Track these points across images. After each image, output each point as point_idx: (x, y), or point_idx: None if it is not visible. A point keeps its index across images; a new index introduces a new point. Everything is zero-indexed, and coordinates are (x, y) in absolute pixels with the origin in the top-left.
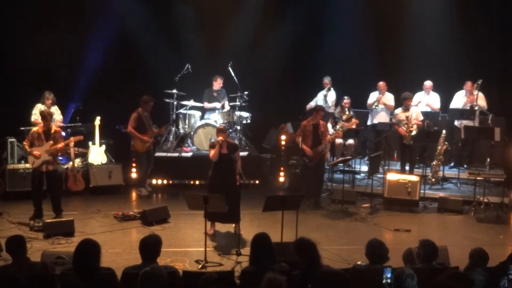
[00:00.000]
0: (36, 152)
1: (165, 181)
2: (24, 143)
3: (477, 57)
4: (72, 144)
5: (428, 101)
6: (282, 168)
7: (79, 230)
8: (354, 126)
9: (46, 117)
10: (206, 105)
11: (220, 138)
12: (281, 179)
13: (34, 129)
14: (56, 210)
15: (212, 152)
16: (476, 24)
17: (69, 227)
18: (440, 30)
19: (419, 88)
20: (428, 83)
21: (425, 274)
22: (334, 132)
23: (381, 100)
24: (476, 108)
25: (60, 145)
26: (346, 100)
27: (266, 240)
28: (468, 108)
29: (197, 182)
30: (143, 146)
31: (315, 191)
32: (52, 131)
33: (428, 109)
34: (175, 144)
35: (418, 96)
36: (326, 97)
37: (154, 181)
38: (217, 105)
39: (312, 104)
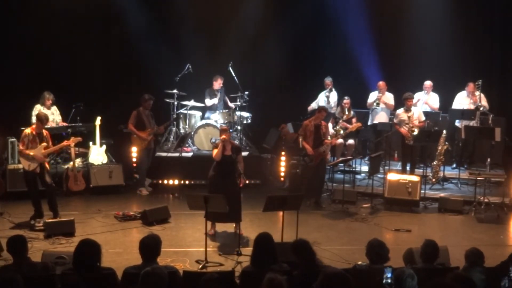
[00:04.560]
0: (32, 154)
1: (165, 181)
2: (21, 148)
3: (477, 57)
4: (72, 144)
5: (428, 100)
6: (282, 168)
7: (80, 230)
8: (354, 129)
9: (43, 120)
10: (208, 101)
11: (224, 136)
12: (281, 179)
13: (27, 131)
14: (53, 209)
15: (215, 152)
16: (476, 24)
17: (69, 227)
18: (440, 30)
19: (419, 88)
20: (428, 83)
21: (425, 274)
22: (335, 132)
23: (381, 99)
24: (482, 108)
25: (64, 142)
26: (346, 100)
27: (269, 240)
28: (473, 108)
29: (197, 182)
30: (141, 143)
31: (316, 191)
32: (45, 134)
33: (427, 108)
34: (175, 144)
35: (418, 95)
36: (328, 98)
37: (154, 181)
38: (216, 100)
39: (313, 105)
